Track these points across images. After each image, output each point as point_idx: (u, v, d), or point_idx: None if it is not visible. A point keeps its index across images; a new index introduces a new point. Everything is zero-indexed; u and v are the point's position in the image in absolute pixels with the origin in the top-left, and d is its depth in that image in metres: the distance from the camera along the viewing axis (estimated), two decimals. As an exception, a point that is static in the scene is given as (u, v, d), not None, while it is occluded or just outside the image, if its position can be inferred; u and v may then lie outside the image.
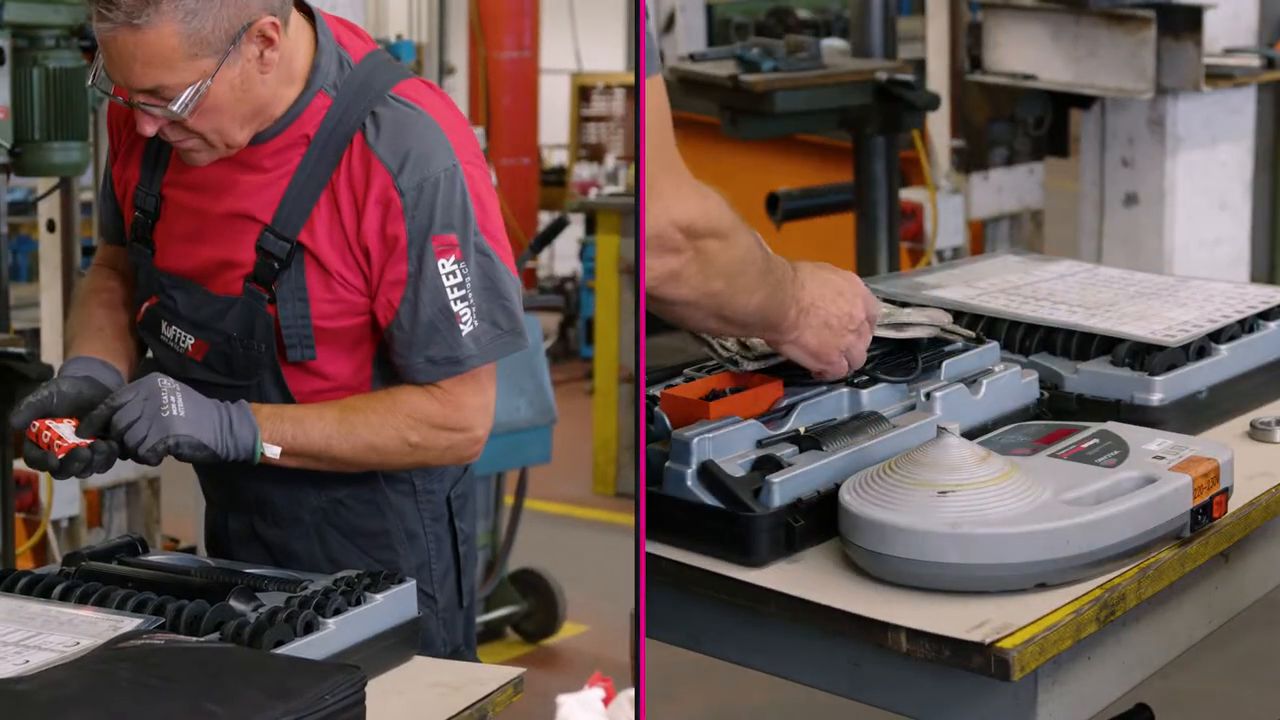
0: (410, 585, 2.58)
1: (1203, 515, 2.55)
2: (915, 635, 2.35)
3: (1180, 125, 6.18)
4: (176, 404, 2.58)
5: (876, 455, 2.61)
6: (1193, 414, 2.95)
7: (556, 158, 12.73)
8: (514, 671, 2.52)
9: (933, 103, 6.04)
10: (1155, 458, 2.58)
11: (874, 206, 6.07)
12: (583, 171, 11.54)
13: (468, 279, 2.66)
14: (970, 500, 2.41)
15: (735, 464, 2.55)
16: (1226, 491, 2.61)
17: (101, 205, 2.91)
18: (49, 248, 4.79)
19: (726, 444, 2.58)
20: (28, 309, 5.27)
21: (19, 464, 4.48)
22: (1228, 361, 3.02)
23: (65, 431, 2.63)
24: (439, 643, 2.86)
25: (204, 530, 2.98)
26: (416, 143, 2.63)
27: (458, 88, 10.30)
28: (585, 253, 10.62)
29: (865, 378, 2.83)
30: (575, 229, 10.51)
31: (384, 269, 2.65)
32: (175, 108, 2.52)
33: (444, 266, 2.64)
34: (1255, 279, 6.78)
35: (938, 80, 6.47)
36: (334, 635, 2.43)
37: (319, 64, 2.65)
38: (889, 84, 5.87)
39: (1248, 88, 6.30)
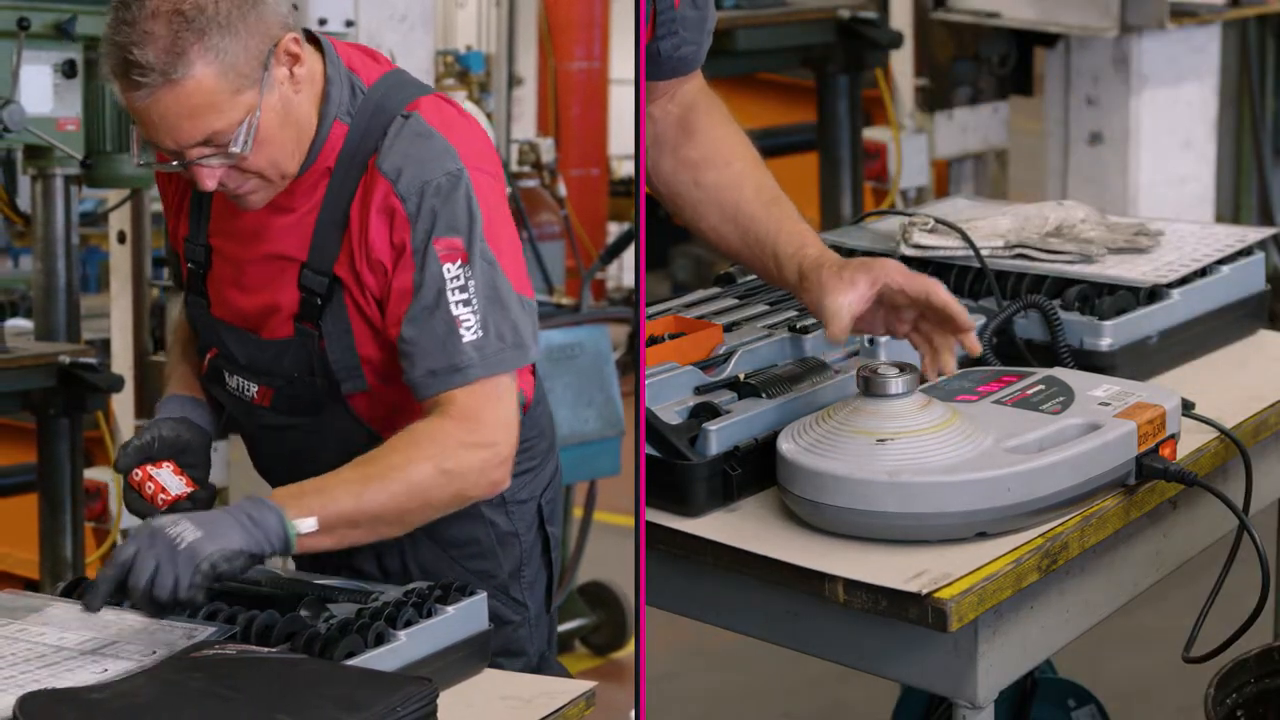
0: (481, 598, 2.53)
1: (1153, 460, 2.51)
2: (852, 586, 2.31)
3: (1145, 63, 6.13)
4: (186, 530, 2.36)
5: (817, 402, 2.57)
6: (1143, 359, 2.91)
7: (626, 168, 12.57)
8: (585, 685, 2.47)
9: (896, 40, 5.97)
10: (1100, 404, 2.54)
11: (837, 146, 6.01)
12: (652, 182, 11.38)
13: (471, 285, 2.52)
14: (909, 448, 2.38)
15: (672, 411, 2.51)
16: (1174, 437, 2.57)
17: (171, 259, 2.89)
18: (119, 259, 4.81)
19: (663, 391, 2.53)
20: (98, 319, 5.25)
21: (89, 473, 4.54)
22: (1179, 306, 2.98)
23: (167, 480, 2.63)
24: (530, 651, 2.81)
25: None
26: (416, 150, 2.55)
27: (526, 98, 10.20)
28: (654, 264, 10.49)
29: (811, 320, 2.79)
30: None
31: (392, 279, 2.55)
32: (236, 149, 2.46)
33: (448, 271, 2.51)
34: (1220, 218, 6.76)
35: (901, 18, 6.40)
36: (405, 647, 2.40)
37: (329, 94, 2.58)
38: (852, 21, 5.80)
39: (1212, 25, 6.26)
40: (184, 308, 2.82)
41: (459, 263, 2.51)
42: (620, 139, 11.97)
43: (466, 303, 2.50)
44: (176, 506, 2.59)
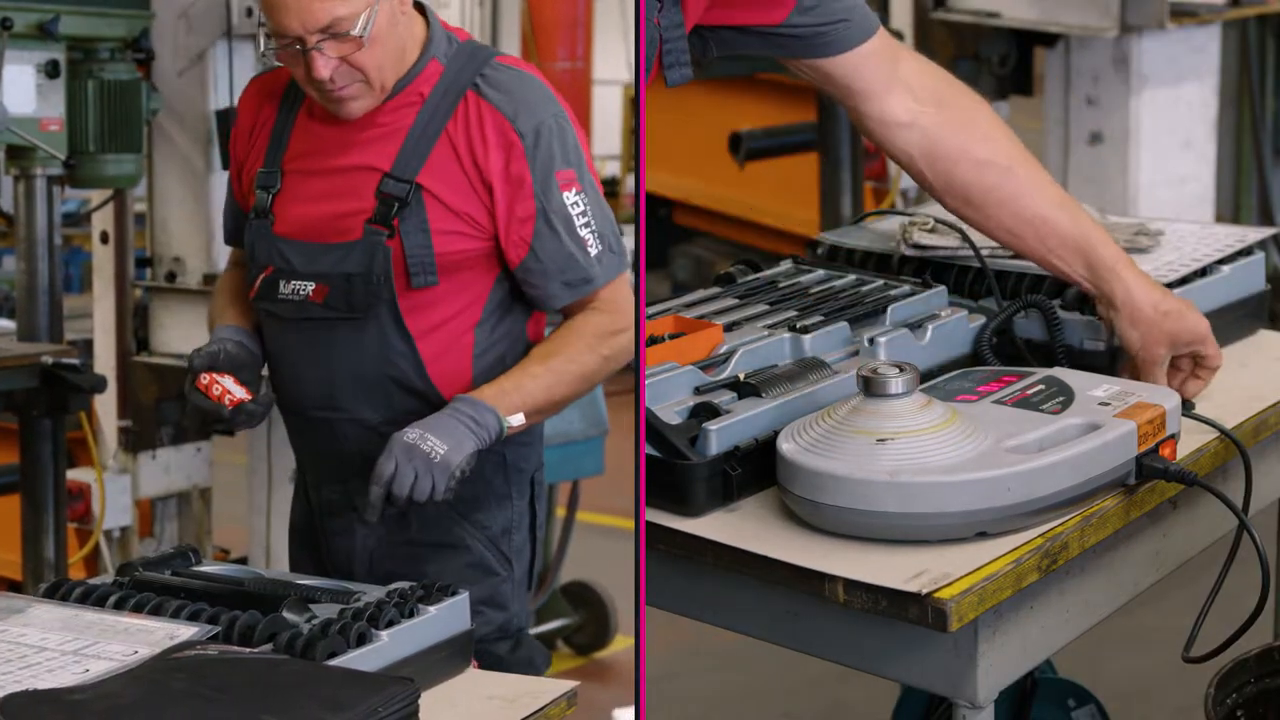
0: (463, 597, 2.54)
1: (1153, 460, 2.51)
2: (852, 585, 2.31)
3: (1145, 63, 6.12)
4: (435, 443, 2.81)
5: (817, 402, 2.57)
6: (1143, 358, 2.91)
7: (609, 169, 12.59)
8: (568, 684, 2.48)
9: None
10: (1100, 404, 2.54)
11: (837, 146, 6.01)
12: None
13: (589, 208, 2.96)
14: (909, 448, 2.37)
15: (672, 411, 2.51)
16: (1174, 437, 2.57)
17: (226, 213, 3.21)
18: (102, 259, 4.88)
19: (663, 391, 2.53)
20: (80, 320, 5.34)
21: (72, 473, 4.63)
22: (1179, 305, 2.97)
23: (230, 386, 2.96)
24: (513, 609, 3.04)
25: (292, 509, 3.18)
26: (526, 93, 2.94)
27: (509, 98, 10.25)
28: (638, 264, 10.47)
29: (812, 320, 2.79)
30: (628, 240, 10.38)
31: (511, 207, 2.92)
32: (356, 31, 2.82)
33: (568, 198, 2.94)
34: (1220, 218, 6.75)
35: (901, 18, 6.39)
36: (387, 647, 2.40)
37: (433, 37, 2.97)
38: (851, 21, 5.77)
39: (1212, 25, 6.25)
40: (232, 257, 3.19)
41: (575, 190, 2.94)
42: (604, 139, 11.95)
43: (587, 225, 2.95)
44: (241, 407, 2.93)
